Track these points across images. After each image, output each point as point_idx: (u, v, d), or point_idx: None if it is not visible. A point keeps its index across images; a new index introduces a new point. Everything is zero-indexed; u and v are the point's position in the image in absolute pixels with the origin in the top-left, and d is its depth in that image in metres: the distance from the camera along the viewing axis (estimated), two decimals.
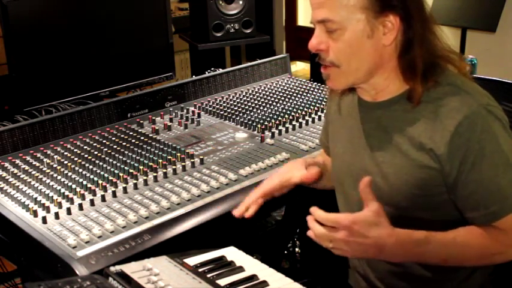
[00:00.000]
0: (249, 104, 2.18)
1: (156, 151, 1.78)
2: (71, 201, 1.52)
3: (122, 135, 1.91)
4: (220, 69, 2.34)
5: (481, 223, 1.26)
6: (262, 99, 2.22)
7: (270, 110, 2.12)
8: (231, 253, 1.29)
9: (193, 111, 2.11)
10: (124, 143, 1.84)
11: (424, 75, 1.26)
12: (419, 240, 1.23)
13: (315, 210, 1.22)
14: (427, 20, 1.27)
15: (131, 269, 1.15)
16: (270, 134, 1.92)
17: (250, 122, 2.00)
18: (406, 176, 1.28)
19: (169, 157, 1.74)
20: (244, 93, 2.29)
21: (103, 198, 1.54)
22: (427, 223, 1.30)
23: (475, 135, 1.21)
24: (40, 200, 1.52)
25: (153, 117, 2.04)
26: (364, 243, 1.19)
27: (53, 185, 1.59)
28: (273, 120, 2.02)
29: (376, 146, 1.34)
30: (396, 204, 1.30)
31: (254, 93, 2.30)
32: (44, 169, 1.69)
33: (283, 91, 2.31)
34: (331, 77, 1.31)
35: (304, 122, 2.03)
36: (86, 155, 1.76)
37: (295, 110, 2.12)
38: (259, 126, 1.96)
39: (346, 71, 1.28)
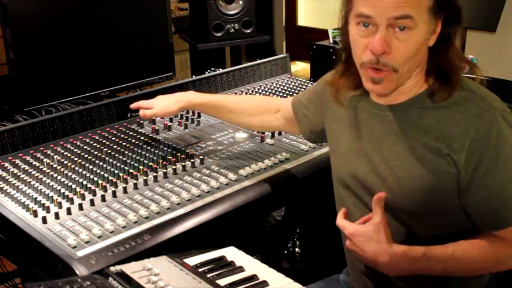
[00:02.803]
0: None
1: (156, 151, 1.78)
2: (71, 201, 1.52)
3: (122, 135, 1.91)
4: (220, 69, 2.34)
5: (490, 229, 1.26)
6: None
7: None
8: (231, 253, 1.29)
9: (193, 111, 2.11)
10: (124, 143, 1.84)
11: (452, 75, 1.27)
12: (416, 258, 1.24)
13: (342, 211, 1.35)
14: (462, 22, 1.28)
15: (131, 269, 1.15)
16: (270, 134, 1.91)
17: None
18: (420, 180, 1.27)
19: (169, 157, 1.74)
20: (244, 93, 2.29)
21: (103, 198, 1.54)
22: (438, 228, 1.31)
23: (491, 140, 1.21)
24: (40, 200, 1.52)
25: (153, 117, 2.04)
26: (361, 254, 1.27)
27: (53, 185, 1.59)
28: None
29: (388, 149, 1.33)
30: (408, 209, 1.30)
31: (254, 93, 2.29)
32: (44, 169, 1.69)
33: (283, 91, 2.31)
34: (385, 82, 1.25)
35: None
36: (86, 155, 1.76)
37: None
38: None
39: (400, 75, 1.24)
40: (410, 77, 1.28)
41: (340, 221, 1.33)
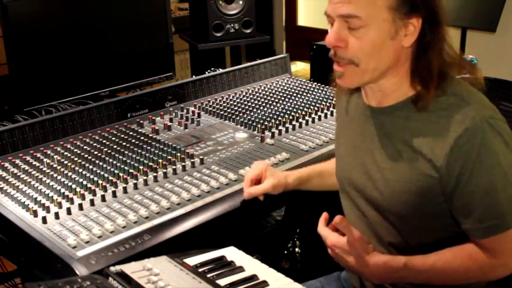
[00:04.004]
0: (249, 104, 2.18)
1: (156, 151, 1.78)
2: (71, 201, 1.52)
3: (122, 135, 1.91)
4: (220, 69, 2.34)
5: (475, 237, 1.26)
6: (262, 99, 2.22)
7: (270, 110, 2.12)
8: (231, 253, 1.29)
9: (193, 111, 2.11)
10: (124, 143, 1.84)
11: (431, 82, 1.25)
12: (397, 268, 1.26)
13: (322, 217, 1.34)
14: (445, 25, 1.26)
15: (131, 269, 1.15)
16: (270, 134, 1.92)
17: (250, 122, 2.00)
18: (407, 183, 1.27)
19: (169, 157, 1.74)
20: (244, 93, 2.29)
21: (103, 198, 1.54)
22: (427, 232, 1.31)
23: (474, 148, 1.20)
24: (40, 200, 1.52)
25: (153, 117, 2.04)
26: (344, 263, 1.31)
27: (53, 185, 1.59)
28: (273, 120, 2.02)
29: (378, 151, 1.33)
30: (397, 212, 1.31)
31: (254, 93, 2.29)
32: (44, 169, 1.69)
33: (283, 91, 2.31)
34: (346, 75, 1.27)
35: (304, 122, 2.03)
36: (86, 155, 1.76)
37: (295, 110, 2.12)
38: (259, 126, 1.96)
39: (364, 69, 1.25)
40: (386, 76, 1.27)
41: (322, 230, 1.33)
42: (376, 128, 1.34)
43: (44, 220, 1.44)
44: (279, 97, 2.25)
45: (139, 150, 1.78)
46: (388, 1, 1.19)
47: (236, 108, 2.14)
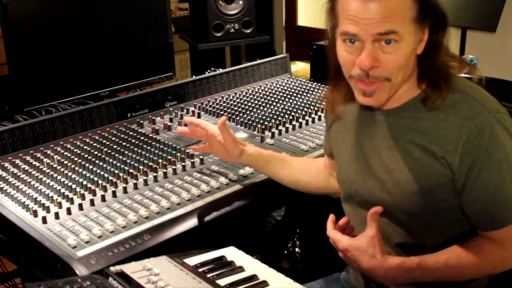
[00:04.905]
0: (249, 104, 2.18)
1: (156, 151, 1.78)
2: (71, 201, 1.52)
3: (122, 135, 1.91)
4: (220, 69, 2.34)
5: (484, 229, 1.27)
6: (262, 99, 2.22)
7: (270, 110, 2.12)
8: (231, 253, 1.29)
9: (193, 111, 2.11)
10: (124, 143, 1.84)
11: (441, 81, 1.27)
12: (410, 269, 1.26)
13: (330, 219, 1.34)
14: (448, 27, 1.28)
15: (131, 269, 1.15)
16: (270, 134, 1.92)
17: (250, 122, 2.00)
18: (418, 182, 1.28)
19: (169, 157, 1.74)
20: (244, 93, 2.29)
21: (103, 198, 1.54)
22: (437, 228, 1.32)
23: (483, 142, 1.22)
24: (40, 200, 1.52)
25: (153, 117, 2.04)
26: (357, 266, 1.29)
27: (53, 185, 1.59)
28: (273, 120, 2.02)
29: (386, 153, 1.33)
30: (408, 210, 1.31)
31: (254, 93, 2.29)
32: (44, 169, 1.69)
33: (283, 91, 2.31)
34: (377, 92, 1.26)
35: (304, 122, 2.03)
36: (86, 155, 1.76)
37: (295, 110, 2.12)
38: (259, 126, 1.96)
39: (394, 83, 1.25)
40: (402, 85, 1.29)
41: (331, 233, 1.32)
42: (384, 130, 1.34)
43: (44, 220, 1.44)
44: (279, 97, 2.25)
45: (139, 150, 1.78)
46: (413, 13, 1.20)
47: (236, 108, 2.14)
